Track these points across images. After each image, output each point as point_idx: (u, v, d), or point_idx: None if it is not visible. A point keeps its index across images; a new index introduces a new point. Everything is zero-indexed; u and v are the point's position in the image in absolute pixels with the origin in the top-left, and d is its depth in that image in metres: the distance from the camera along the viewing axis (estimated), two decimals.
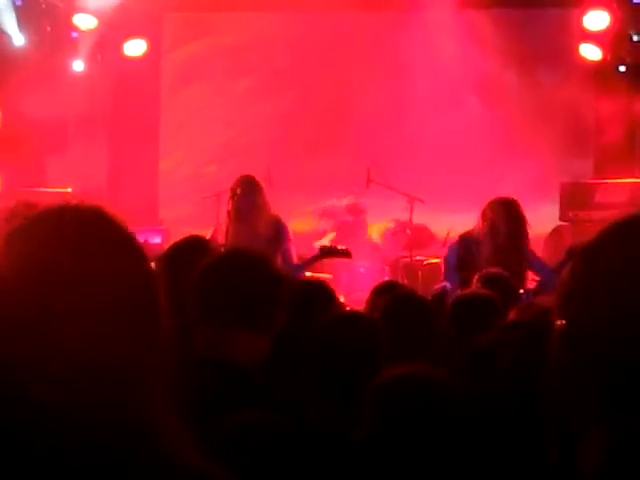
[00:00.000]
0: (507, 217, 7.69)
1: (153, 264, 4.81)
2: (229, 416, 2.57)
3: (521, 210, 7.81)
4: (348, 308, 6.73)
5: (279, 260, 7.81)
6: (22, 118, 11.40)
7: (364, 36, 12.86)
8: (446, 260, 8.13)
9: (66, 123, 12.50)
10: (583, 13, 11.69)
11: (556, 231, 11.42)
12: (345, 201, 11.84)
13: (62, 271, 1.47)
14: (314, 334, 3.47)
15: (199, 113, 13.27)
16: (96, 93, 12.81)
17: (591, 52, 12.02)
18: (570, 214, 11.33)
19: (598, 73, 12.19)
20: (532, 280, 7.81)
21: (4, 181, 11.20)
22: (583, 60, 12.10)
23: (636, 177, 11.43)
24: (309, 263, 8.31)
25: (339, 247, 8.40)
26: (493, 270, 6.36)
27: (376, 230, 11.99)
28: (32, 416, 1.41)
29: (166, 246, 5.47)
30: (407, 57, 12.54)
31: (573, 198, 11.39)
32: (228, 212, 8.05)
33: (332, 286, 8.86)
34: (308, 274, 8.69)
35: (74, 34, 12.24)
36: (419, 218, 10.84)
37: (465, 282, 6.93)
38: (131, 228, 1.59)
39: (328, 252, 8.23)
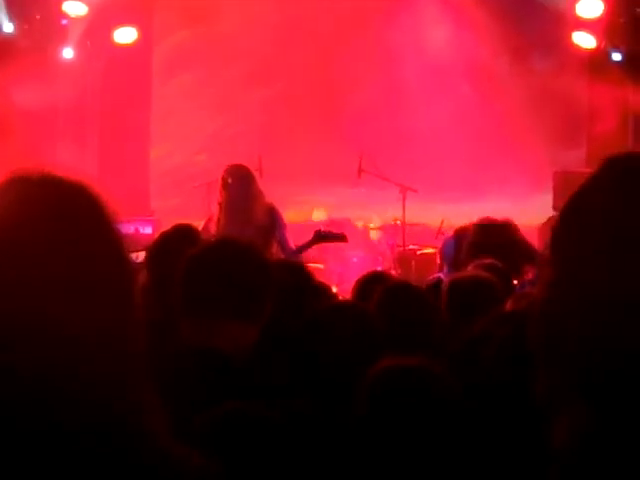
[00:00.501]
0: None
1: (144, 253, 4.77)
2: (216, 405, 2.53)
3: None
4: (341, 298, 6.69)
5: (275, 248, 7.77)
6: (11, 106, 11.33)
7: (356, 23, 12.81)
8: (442, 254, 8.09)
9: (56, 111, 12.42)
10: (576, 1, 11.65)
11: (550, 221, 11.38)
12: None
13: (16, 240, 1.42)
14: (307, 323, 3.42)
15: (189, 101, 13.23)
16: (86, 81, 12.74)
17: (584, 40, 11.98)
18: (563, 204, 11.28)
19: (591, 61, 12.15)
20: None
21: None
22: (576, 48, 12.05)
23: None
24: (305, 247, 8.25)
25: (334, 231, 8.34)
26: (488, 260, 6.33)
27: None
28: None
29: (155, 237, 5.44)
30: (400, 45, 12.50)
31: (566, 188, 11.34)
32: (219, 202, 7.98)
33: (324, 276, 8.83)
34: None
35: (64, 21, 12.17)
36: (412, 208, 10.80)
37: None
38: (122, 218, 1.53)
39: (324, 236, 8.15)
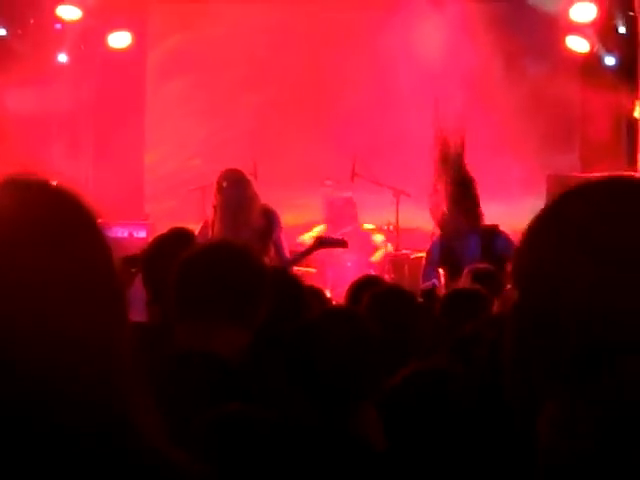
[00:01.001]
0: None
1: (138, 257, 4.77)
2: (210, 409, 2.54)
3: None
4: (334, 303, 6.70)
5: (272, 252, 7.77)
6: (5, 111, 11.33)
7: (348, 28, 12.82)
8: (427, 254, 8.14)
9: (50, 115, 12.41)
10: (570, 5, 11.67)
11: None
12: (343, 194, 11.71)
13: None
14: (302, 328, 3.43)
15: (184, 106, 13.20)
16: (80, 85, 12.74)
17: (578, 44, 12.00)
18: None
19: (585, 65, 12.18)
20: None
21: None
22: (570, 52, 12.08)
23: (623, 171, 11.41)
24: (306, 254, 8.27)
25: (334, 237, 8.36)
26: (482, 265, 6.37)
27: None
28: None
29: (150, 240, 5.44)
30: (392, 49, 12.49)
31: (560, 191, 11.34)
32: (214, 206, 7.98)
33: (318, 280, 8.83)
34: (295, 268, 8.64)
35: (58, 26, 12.16)
36: (405, 212, 10.80)
37: (451, 276, 6.95)
38: (116, 222, 1.54)
39: (324, 242, 8.17)
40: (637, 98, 11.37)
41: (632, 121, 11.69)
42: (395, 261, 10.93)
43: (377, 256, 11.20)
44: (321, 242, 8.12)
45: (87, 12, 11.94)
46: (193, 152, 12.95)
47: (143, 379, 1.52)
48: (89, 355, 1.44)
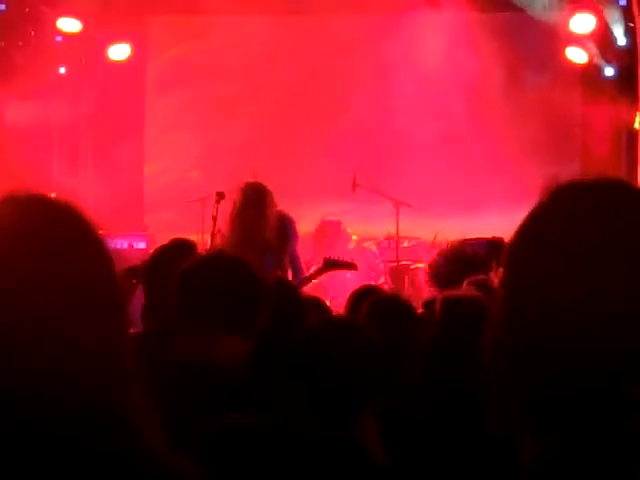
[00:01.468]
0: None
1: (139, 268, 4.76)
2: (211, 419, 2.54)
3: None
4: (335, 312, 6.69)
5: (287, 263, 7.67)
6: (6, 123, 11.34)
7: (350, 38, 12.82)
8: (431, 272, 8.13)
9: (50, 127, 12.43)
10: (569, 16, 11.70)
11: None
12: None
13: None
14: (304, 338, 3.43)
15: (183, 117, 13.21)
16: (80, 97, 12.76)
17: (577, 55, 12.03)
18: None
19: (584, 76, 12.19)
20: None
21: None
22: (569, 63, 12.10)
23: None
24: (315, 276, 8.24)
25: (343, 259, 8.35)
26: (481, 277, 6.37)
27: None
28: None
29: (151, 251, 5.43)
30: (393, 60, 12.52)
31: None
32: (214, 217, 7.91)
33: (318, 290, 8.81)
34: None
35: (58, 38, 12.19)
36: (405, 222, 10.80)
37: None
38: (116, 233, 1.55)
39: (333, 264, 8.15)
40: (637, 109, 11.38)
41: (632, 132, 11.70)
42: (395, 272, 10.93)
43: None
44: (330, 264, 8.11)
45: (87, 25, 11.97)
46: (192, 164, 12.95)
47: (142, 386, 1.52)
48: (89, 364, 1.45)
